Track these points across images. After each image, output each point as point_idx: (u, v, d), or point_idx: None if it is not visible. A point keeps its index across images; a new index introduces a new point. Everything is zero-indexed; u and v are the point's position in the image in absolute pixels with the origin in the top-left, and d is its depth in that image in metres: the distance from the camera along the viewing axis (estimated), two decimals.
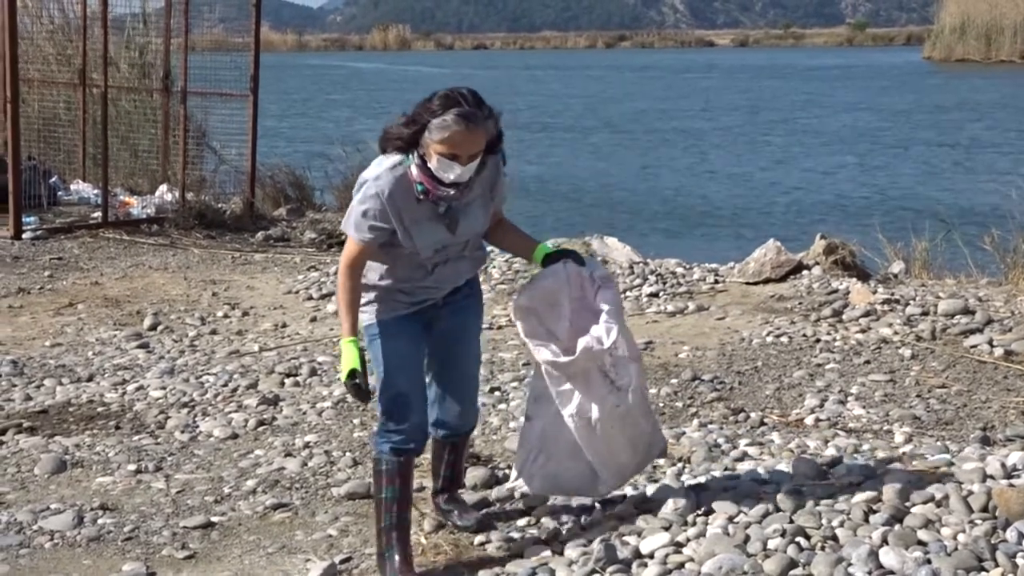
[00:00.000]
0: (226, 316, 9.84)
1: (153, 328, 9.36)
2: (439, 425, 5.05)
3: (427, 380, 4.96)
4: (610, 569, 4.62)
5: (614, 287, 4.96)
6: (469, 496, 5.56)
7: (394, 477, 4.73)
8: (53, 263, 11.94)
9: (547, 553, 4.90)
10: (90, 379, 8.01)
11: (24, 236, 12.98)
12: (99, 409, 7.40)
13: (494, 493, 5.63)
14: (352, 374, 4.51)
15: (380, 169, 4.60)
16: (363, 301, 4.74)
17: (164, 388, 7.72)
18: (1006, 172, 22.42)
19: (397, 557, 4.75)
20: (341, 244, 13.49)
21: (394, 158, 4.59)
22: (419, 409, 4.79)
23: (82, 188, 15.25)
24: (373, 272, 4.75)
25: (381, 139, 4.62)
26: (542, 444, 5.00)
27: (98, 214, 13.87)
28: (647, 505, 5.20)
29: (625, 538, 4.83)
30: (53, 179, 14.98)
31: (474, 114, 4.43)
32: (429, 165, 4.49)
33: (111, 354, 8.64)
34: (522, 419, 5.19)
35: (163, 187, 14.72)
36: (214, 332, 9.30)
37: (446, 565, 4.93)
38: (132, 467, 6.29)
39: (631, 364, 4.88)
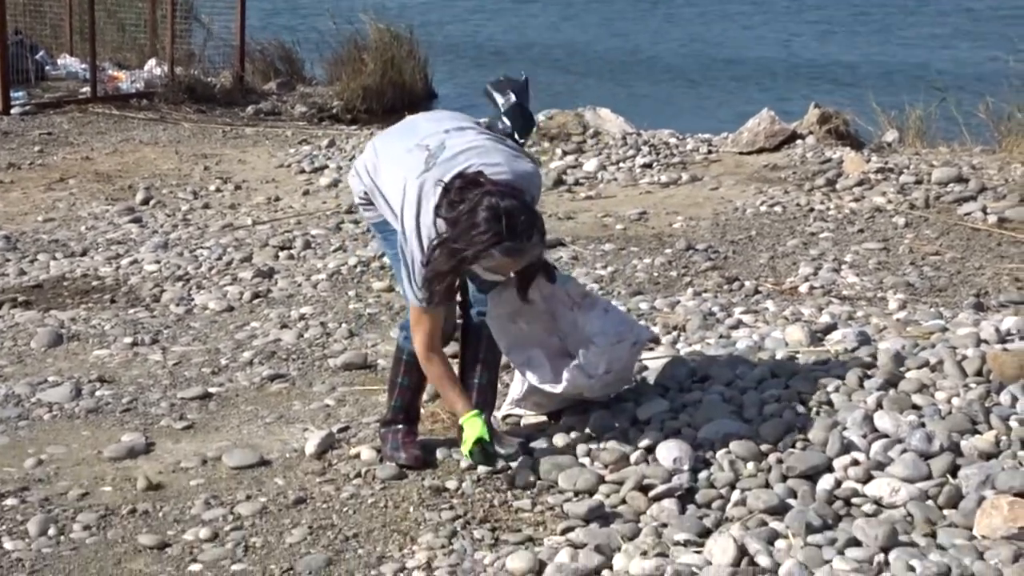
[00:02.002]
0: (218, 190, 9.80)
1: (145, 202, 9.33)
2: (475, 302, 4.74)
3: None
4: (606, 435, 4.65)
5: (599, 306, 4.77)
6: None
7: (412, 369, 4.65)
8: (43, 138, 11.86)
9: (543, 419, 4.92)
10: (84, 254, 8.00)
11: (12, 111, 12.86)
12: (94, 283, 7.41)
13: None
14: (479, 442, 4.37)
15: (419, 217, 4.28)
16: (369, 201, 4.60)
17: (158, 262, 7.71)
18: (1003, 38, 22.21)
19: (401, 430, 4.77)
20: (333, 118, 13.67)
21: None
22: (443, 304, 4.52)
23: (69, 62, 15.10)
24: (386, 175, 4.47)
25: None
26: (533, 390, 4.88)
27: (87, 89, 13.74)
28: (643, 373, 5.22)
29: (622, 405, 4.84)
30: (40, 53, 14.81)
31: (522, 249, 4.18)
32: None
33: (104, 229, 8.62)
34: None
35: (151, 61, 14.58)
36: (207, 206, 9.27)
37: (443, 434, 4.94)
38: (128, 340, 6.31)
39: (620, 350, 4.72)
